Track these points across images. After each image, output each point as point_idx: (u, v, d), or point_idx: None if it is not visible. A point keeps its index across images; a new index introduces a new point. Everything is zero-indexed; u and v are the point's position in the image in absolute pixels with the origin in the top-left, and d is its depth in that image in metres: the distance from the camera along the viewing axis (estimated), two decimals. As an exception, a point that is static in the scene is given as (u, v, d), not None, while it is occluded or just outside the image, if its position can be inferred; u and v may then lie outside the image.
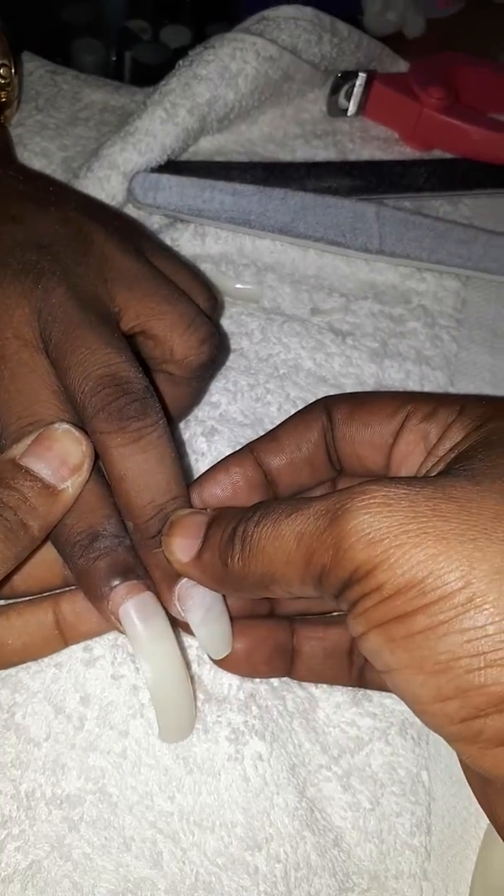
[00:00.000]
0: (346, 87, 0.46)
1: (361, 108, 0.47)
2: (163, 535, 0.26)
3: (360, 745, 0.29)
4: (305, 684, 0.30)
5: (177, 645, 0.26)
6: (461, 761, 0.22)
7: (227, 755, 0.28)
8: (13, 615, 0.27)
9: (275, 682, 0.30)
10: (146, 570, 0.27)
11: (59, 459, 0.25)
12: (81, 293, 0.28)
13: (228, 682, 0.30)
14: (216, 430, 0.36)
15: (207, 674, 0.30)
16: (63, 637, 0.28)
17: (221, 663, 0.28)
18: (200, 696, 0.29)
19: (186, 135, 0.42)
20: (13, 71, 0.41)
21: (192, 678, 0.28)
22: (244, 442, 0.34)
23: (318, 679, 0.30)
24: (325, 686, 0.30)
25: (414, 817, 0.28)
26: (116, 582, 0.25)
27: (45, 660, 0.29)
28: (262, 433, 0.29)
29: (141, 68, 0.67)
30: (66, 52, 0.71)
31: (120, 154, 0.40)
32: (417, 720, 0.29)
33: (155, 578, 0.26)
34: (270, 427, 0.29)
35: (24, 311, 0.27)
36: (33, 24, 0.73)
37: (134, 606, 0.25)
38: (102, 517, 0.26)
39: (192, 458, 0.35)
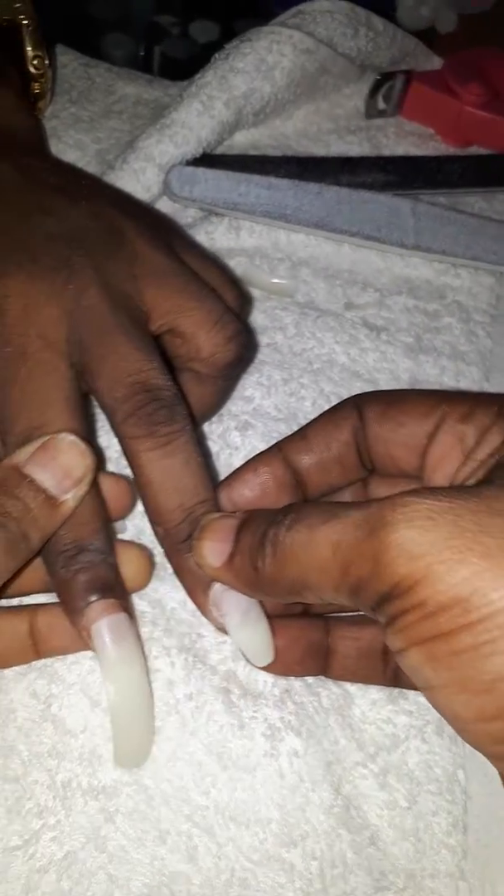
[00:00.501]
0: (384, 89, 0.45)
1: (398, 108, 0.47)
2: (193, 540, 0.26)
3: (396, 743, 0.29)
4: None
5: (145, 670, 0.26)
6: (501, 777, 0.22)
7: (264, 751, 0.28)
8: None
9: (310, 678, 0.30)
10: (178, 573, 0.27)
11: (62, 470, 0.25)
12: (113, 292, 0.28)
13: (263, 678, 0.30)
14: (250, 424, 0.36)
15: (242, 670, 0.30)
16: (36, 649, 0.28)
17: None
18: (236, 691, 0.29)
19: (222, 128, 0.42)
20: (47, 62, 0.41)
21: (152, 707, 0.28)
22: (278, 437, 0.33)
23: (352, 678, 0.30)
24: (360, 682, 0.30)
25: (451, 816, 0.28)
26: (94, 598, 0.25)
27: (83, 651, 0.28)
28: (296, 428, 0.29)
29: (169, 62, 0.67)
30: (96, 47, 0.71)
31: (156, 146, 0.40)
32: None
33: (187, 583, 0.27)
34: (304, 422, 0.29)
35: (53, 310, 0.27)
36: (62, 19, 0.73)
37: (107, 625, 0.25)
38: (92, 531, 0.26)
39: (227, 452, 0.35)
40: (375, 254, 0.42)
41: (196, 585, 0.26)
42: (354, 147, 0.46)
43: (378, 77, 0.45)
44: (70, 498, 0.25)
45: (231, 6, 0.74)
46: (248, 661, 0.28)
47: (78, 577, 0.25)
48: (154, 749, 0.28)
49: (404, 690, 0.30)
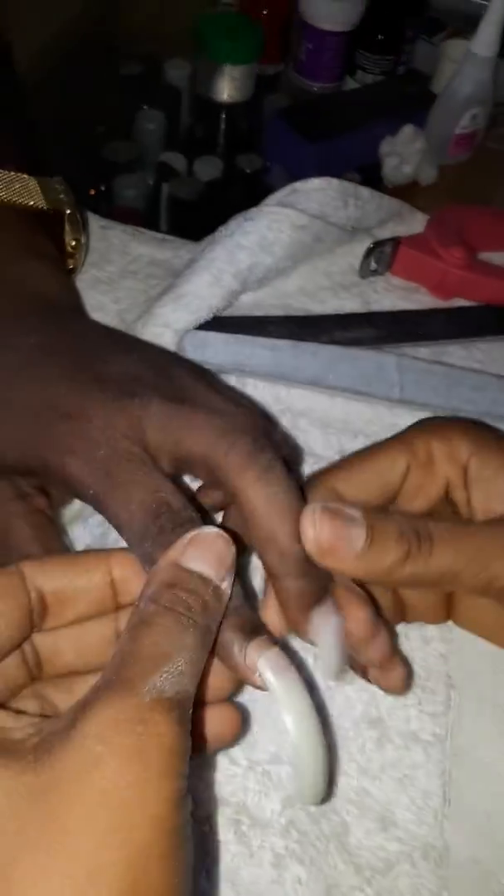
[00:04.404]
0: (375, 253, 0.51)
1: (388, 267, 0.53)
2: (319, 527, 0.28)
3: (389, 867, 0.33)
4: (338, 809, 0.34)
5: (310, 701, 0.27)
6: None
7: (271, 878, 0.32)
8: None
9: (312, 808, 0.34)
10: (281, 603, 0.29)
11: (217, 560, 0.27)
12: (175, 401, 0.33)
13: (270, 807, 0.34)
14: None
15: (252, 799, 0.34)
16: (116, 599, 0.29)
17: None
18: (246, 821, 0.33)
19: (230, 295, 0.48)
20: (83, 242, 0.47)
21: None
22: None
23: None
24: (355, 812, 0.34)
25: (437, 937, 0.32)
26: (248, 639, 0.27)
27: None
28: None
29: (176, 202, 0.73)
30: (108, 185, 0.78)
31: (172, 314, 0.46)
32: (438, 843, 0.33)
33: (290, 606, 0.29)
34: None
35: (125, 421, 0.31)
36: (77, 161, 0.80)
37: (267, 661, 0.27)
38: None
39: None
40: (365, 405, 0.47)
41: (298, 609, 0.29)
42: (347, 302, 0.52)
43: (370, 245, 0.51)
44: (227, 584, 0.27)
45: (232, 143, 0.81)
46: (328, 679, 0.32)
47: (229, 621, 0.27)
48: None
49: (395, 819, 0.34)
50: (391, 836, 0.34)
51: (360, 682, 0.37)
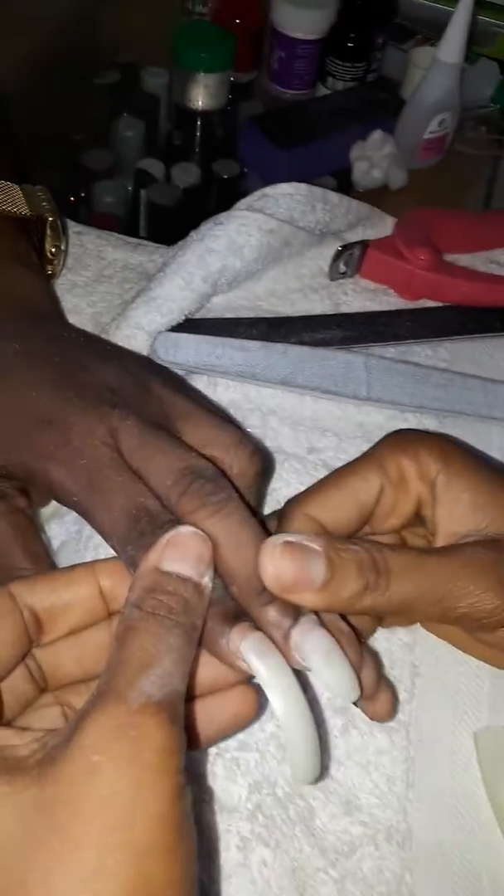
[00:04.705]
0: (344, 257, 0.52)
1: (357, 270, 0.54)
2: (279, 558, 0.29)
3: (352, 850, 0.34)
4: (305, 795, 0.35)
5: (296, 681, 0.28)
6: None
7: (237, 861, 0.33)
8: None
9: (279, 792, 0.35)
10: (262, 622, 0.29)
11: (195, 558, 0.28)
12: (150, 421, 0.34)
13: (238, 793, 0.35)
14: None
15: (219, 785, 0.35)
16: (107, 608, 0.30)
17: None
18: (215, 807, 0.34)
19: (201, 298, 0.49)
20: (63, 249, 0.48)
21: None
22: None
23: None
24: (320, 797, 0.35)
25: (398, 916, 0.33)
26: (229, 626, 0.28)
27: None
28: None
29: (154, 208, 0.74)
30: (88, 192, 0.79)
31: (144, 316, 0.47)
32: (402, 826, 0.34)
33: (269, 634, 0.29)
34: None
35: (104, 429, 0.33)
36: (57, 168, 0.81)
37: (250, 645, 0.28)
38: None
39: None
40: (334, 404, 0.48)
41: (277, 634, 0.29)
42: (317, 304, 0.53)
43: (339, 248, 0.52)
44: (207, 579, 0.28)
45: (209, 150, 0.82)
46: (334, 698, 0.31)
47: (211, 611, 0.28)
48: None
49: (359, 803, 0.35)
50: (355, 819, 0.35)
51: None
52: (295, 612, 0.29)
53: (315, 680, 0.30)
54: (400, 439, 0.35)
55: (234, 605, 0.30)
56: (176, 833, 0.23)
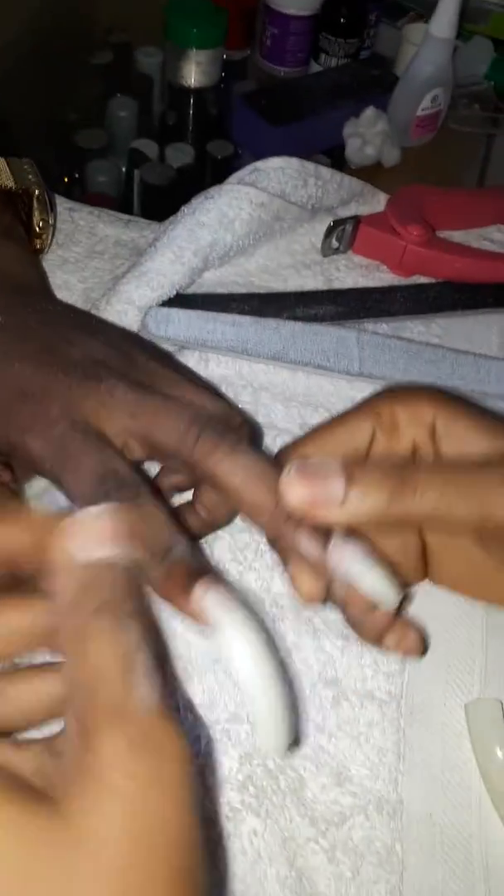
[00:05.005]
0: (336, 232, 0.52)
1: (350, 246, 0.54)
2: (296, 484, 0.29)
3: (343, 820, 0.34)
4: (296, 766, 0.35)
5: (263, 636, 0.26)
6: None
7: (227, 831, 0.33)
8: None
9: (270, 764, 0.35)
10: (289, 555, 0.30)
11: (99, 537, 0.25)
12: (140, 385, 0.34)
13: (228, 764, 0.35)
14: (218, 535, 0.41)
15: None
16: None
17: None
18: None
19: (192, 272, 0.48)
20: (50, 223, 0.48)
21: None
22: (244, 545, 0.40)
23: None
24: (311, 769, 0.35)
25: (388, 885, 0.33)
26: (191, 582, 0.28)
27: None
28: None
29: (148, 188, 0.74)
30: (82, 172, 0.78)
31: (135, 290, 0.47)
32: (392, 797, 0.34)
33: (306, 551, 0.29)
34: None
35: (92, 403, 0.33)
36: (51, 148, 0.80)
37: (212, 599, 0.27)
38: (172, 536, 0.30)
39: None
40: (326, 379, 0.48)
41: (312, 554, 0.29)
42: (309, 280, 0.53)
43: (331, 223, 0.52)
44: (121, 549, 0.25)
45: (203, 130, 0.82)
46: (379, 605, 0.30)
47: (175, 570, 0.28)
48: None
49: (350, 774, 0.35)
50: (346, 790, 0.35)
51: (315, 642, 0.38)
52: (326, 532, 0.30)
53: (362, 586, 0.29)
54: (393, 390, 0.35)
55: (198, 561, 0.30)
56: (196, 835, 0.22)
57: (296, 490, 0.29)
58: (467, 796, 0.35)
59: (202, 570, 0.29)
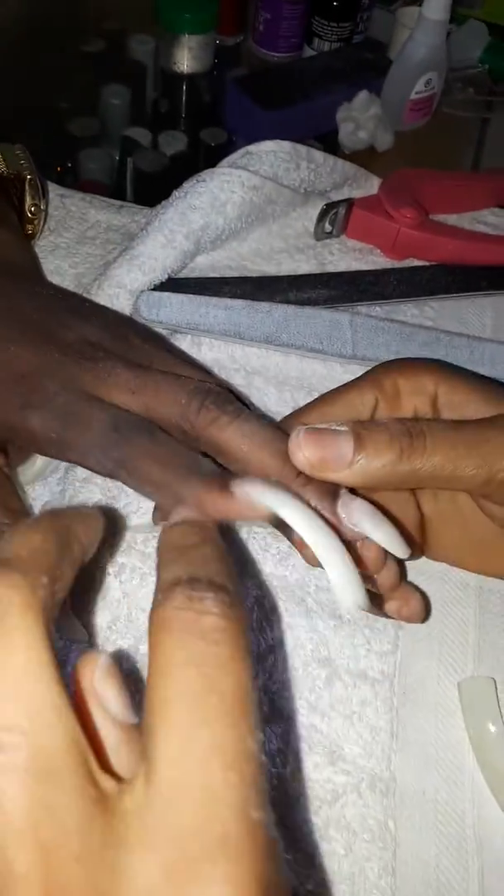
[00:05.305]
0: (329, 216, 0.52)
1: (343, 229, 0.53)
2: (305, 445, 0.29)
3: (336, 798, 0.34)
4: (292, 746, 0.35)
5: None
6: None
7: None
8: None
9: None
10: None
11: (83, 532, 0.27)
12: (136, 365, 0.34)
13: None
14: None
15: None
16: None
17: None
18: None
19: (184, 256, 0.48)
20: (42, 209, 0.48)
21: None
22: (237, 526, 0.40)
23: None
24: (305, 748, 0.35)
25: (381, 861, 0.33)
26: (230, 486, 0.28)
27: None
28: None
29: (141, 175, 0.74)
30: (74, 160, 0.78)
31: (127, 275, 0.47)
32: (385, 775, 0.34)
33: (318, 506, 0.30)
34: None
35: (90, 379, 0.33)
36: (43, 136, 0.80)
37: (248, 487, 0.28)
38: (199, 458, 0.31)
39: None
40: (319, 363, 0.48)
41: (325, 507, 0.30)
42: (302, 264, 0.53)
43: (324, 207, 0.52)
44: (87, 532, 0.27)
45: (196, 118, 0.82)
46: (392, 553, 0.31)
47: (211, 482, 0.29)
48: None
49: (343, 753, 0.35)
50: (339, 769, 0.35)
51: (308, 622, 0.38)
52: (334, 489, 0.30)
53: (373, 537, 0.30)
54: (394, 362, 0.35)
55: (224, 473, 0.30)
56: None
57: (305, 451, 0.29)
58: (460, 773, 0.35)
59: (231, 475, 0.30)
